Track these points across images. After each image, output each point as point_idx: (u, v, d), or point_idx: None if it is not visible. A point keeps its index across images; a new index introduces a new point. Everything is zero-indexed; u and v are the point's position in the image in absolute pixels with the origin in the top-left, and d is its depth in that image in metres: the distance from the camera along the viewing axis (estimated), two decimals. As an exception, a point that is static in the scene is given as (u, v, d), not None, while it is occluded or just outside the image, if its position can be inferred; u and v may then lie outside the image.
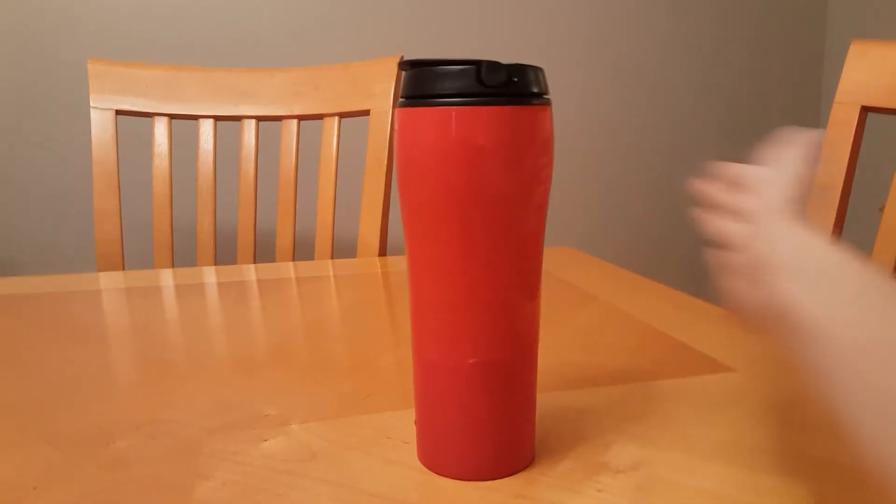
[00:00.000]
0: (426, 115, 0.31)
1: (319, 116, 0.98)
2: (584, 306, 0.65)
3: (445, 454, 0.35)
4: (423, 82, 0.32)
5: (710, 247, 0.37)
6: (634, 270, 0.78)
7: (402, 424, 0.40)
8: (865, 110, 0.73)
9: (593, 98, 1.82)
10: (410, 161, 0.32)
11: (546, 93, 0.33)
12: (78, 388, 0.47)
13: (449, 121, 0.31)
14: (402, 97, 0.33)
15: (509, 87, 0.31)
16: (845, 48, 0.74)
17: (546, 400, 0.43)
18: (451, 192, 0.31)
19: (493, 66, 0.30)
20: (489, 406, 0.34)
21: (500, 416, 0.34)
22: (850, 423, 0.25)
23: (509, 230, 0.32)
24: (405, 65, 0.32)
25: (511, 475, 0.35)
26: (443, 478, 0.34)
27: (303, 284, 0.76)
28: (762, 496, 0.32)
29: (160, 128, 0.97)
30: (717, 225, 0.37)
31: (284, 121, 0.99)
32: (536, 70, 0.32)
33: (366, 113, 0.97)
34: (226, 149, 1.07)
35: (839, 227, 0.72)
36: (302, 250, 1.03)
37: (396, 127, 0.33)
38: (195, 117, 0.98)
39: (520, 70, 0.31)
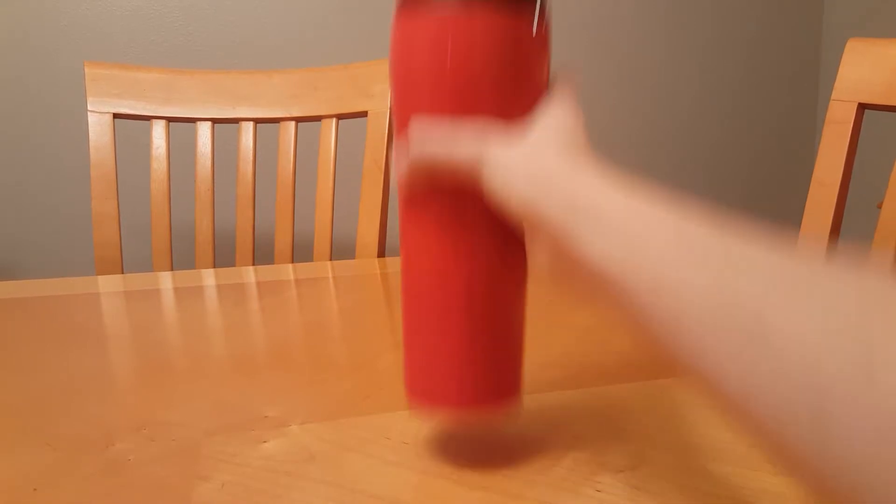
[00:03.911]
0: (420, 18, 0.31)
1: (317, 118, 0.98)
2: (583, 306, 0.65)
3: (431, 383, 0.34)
4: None
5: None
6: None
7: (402, 425, 0.40)
8: (862, 107, 0.73)
9: (593, 97, 1.82)
10: (403, 67, 0.32)
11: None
12: (77, 391, 0.47)
13: (442, 25, 0.30)
14: (398, 3, 0.32)
15: None
16: (842, 46, 0.74)
17: (545, 399, 0.43)
18: (439, 98, 0.31)
19: None
20: (471, 336, 0.33)
21: (484, 343, 0.33)
22: (700, 361, 0.22)
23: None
24: None
25: (495, 407, 0.34)
26: (442, 479, 0.34)
27: (302, 286, 0.76)
28: (762, 496, 0.32)
29: (158, 130, 0.97)
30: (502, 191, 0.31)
31: (282, 123, 0.99)
32: None
33: (364, 114, 0.97)
34: (224, 151, 1.07)
35: (837, 224, 0.73)
36: (301, 252, 1.03)
37: (392, 36, 0.33)
38: (193, 120, 0.98)
39: None
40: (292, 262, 0.98)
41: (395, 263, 0.87)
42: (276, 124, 1.00)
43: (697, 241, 0.24)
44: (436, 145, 0.31)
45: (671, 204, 0.26)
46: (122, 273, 0.93)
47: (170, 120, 0.98)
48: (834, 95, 0.74)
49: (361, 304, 0.69)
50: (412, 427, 0.37)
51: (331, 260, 0.95)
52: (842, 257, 0.21)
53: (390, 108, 0.34)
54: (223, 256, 1.05)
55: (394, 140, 0.34)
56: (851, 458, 0.18)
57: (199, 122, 0.98)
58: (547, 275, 0.30)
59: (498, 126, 0.31)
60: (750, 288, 0.21)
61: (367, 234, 0.96)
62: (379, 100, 0.96)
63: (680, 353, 0.23)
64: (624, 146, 1.87)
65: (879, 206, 0.72)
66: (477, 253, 0.33)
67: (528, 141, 0.30)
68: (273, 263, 0.95)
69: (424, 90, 0.32)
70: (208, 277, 0.80)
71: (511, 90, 0.31)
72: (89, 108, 0.96)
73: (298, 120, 0.99)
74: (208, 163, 0.98)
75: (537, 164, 0.29)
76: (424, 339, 0.34)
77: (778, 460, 0.21)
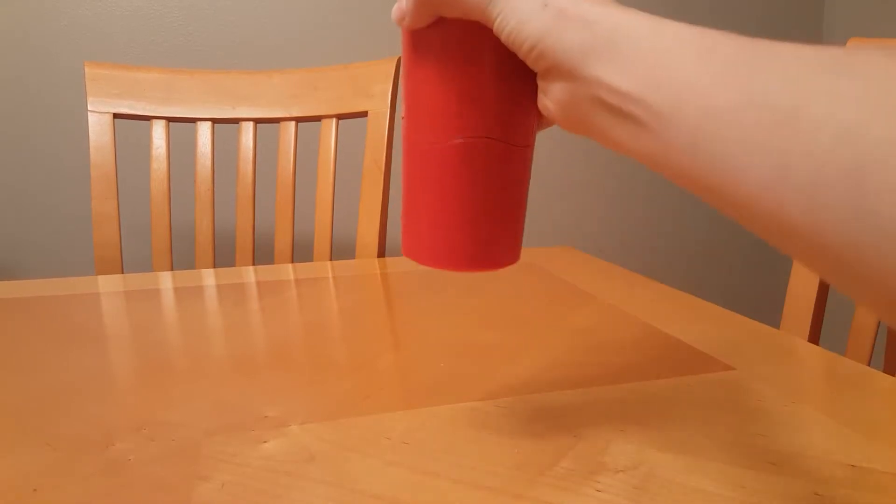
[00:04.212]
0: None
1: (318, 118, 0.99)
2: (583, 306, 0.65)
3: (428, 241, 0.34)
4: None
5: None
6: (634, 270, 0.78)
7: (402, 425, 0.40)
8: (863, 108, 0.73)
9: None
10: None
11: None
12: (77, 391, 0.47)
13: None
14: None
15: None
16: (842, 46, 0.74)
17: (545, 399, 0.43)
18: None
19: None
20: (471, 190, 0.32)
21: (481, 203, 0.32)
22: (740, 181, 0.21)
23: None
24: None
25: (491, 268, 0.34)
26: (442, 479, 0.34)
27: (302, 286, 0.76)
28: (762, 496, 0.32)
29: (158, 131, 0.97)
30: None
31: (282, 123, 0.99)
32: None
33: (364, 114, 0.97)
34: (224, 151, 1.07)
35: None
36: (301, 252, 1.03)
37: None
38: (193, 120, 0.98)
39: None
40: (292, 262, 0.98)
41: (395, 263, 0.88)
42: (276, 124, 1.00)
43: (723, 45, 0.23)
44: None
45: (698, 27, 0.25)
46: (122, 273, 0.93)
47: (170, 120, 0.98)
48: (834, 96, 0.74)
49: (361, 304, 0.69)
50: (412, 427, 0.37)
51: (331, 260, 0.95)
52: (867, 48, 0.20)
53: None
54: (223, 256, 1.05)
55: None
56: (891, 214, 0.17)
57: (199, 122, 0.98)
58: (559, 118, 0.29)
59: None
60: (783, 86, 0.20)
61: (367, 234, 0.96)
62: (379, 100, 0.96)
63: (700, 175, 0.22)
64: (624, 146, 1.87)
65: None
66: (483, 97, 0.31)
67: None
68: (273, 263, 0.95)
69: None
70: (208, 277, 0.80)
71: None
72: (89, 108, 0.96)
73: (298, 120, 0.99)
74: (208, 163, 0.98)
75: (552, 1, 0.27)
76: (421, 195, 0.33)
77: (808, 246, 0.20)
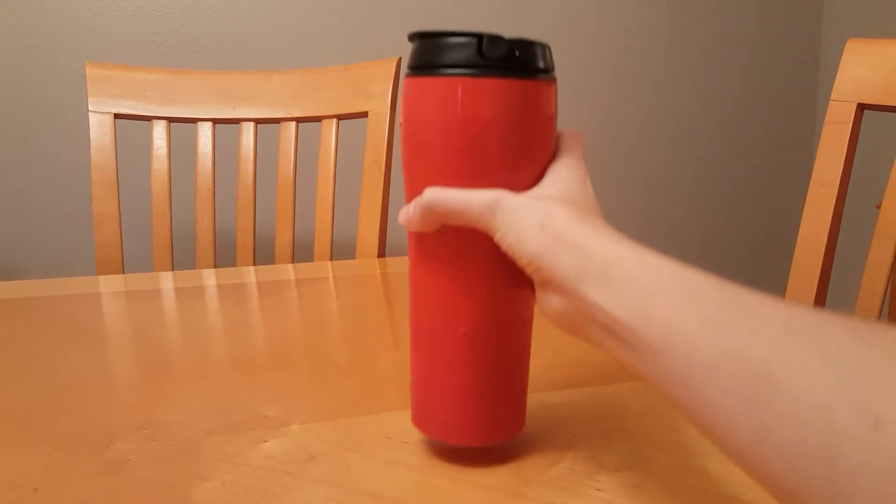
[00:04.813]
0: (427, 84, 0.32)
1: (318, 118, 0.99)
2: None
3: (436, 417, 0.35)
4: (427, 53, 0.32)
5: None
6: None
7: (402, 425, 0.40)
8: (862, 108, 0.73)
9: (593, 98, 1.82)
10: (413, 130, 0.33)
11: (551, 69, 0.33)
12: (78, 391, 0.47)
13: (448, 91, 0.31)
14: (408, 67, 0.33)
15: (511, 60, 0.31)
16: (841, 46, 0.74)
17: (545, 399, 0.43)
18: (450, 163, 0.32)
19: (494, 39, 0.30)
20: (477, 372, 0.34)
21: (487, 384, 0.34)
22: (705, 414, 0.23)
23: None
24: (413, 36, 0.33)
25: (496, 442, 0.35)
26: (443, 479, 0.34)
27: (302, 286, 0.76)
28: (762, 496, 0.32)
29: (159, 131, 0.97)
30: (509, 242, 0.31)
31: (283, 123, 0.99)
32: (542, 46, 0.32)
33: (364, 115, 0.97)
34: (224, 151, 1.07)
35: (837, 224, 0.73)
36: (301, 252, 1.03)
37: (401, 98, 0.33)
38: (193, 120, 0.98)
39: (523, 45, 0.31)
40: (292, 262, 0.98)
41: (395, 263, 0.88)
42: (277, 124, 1.00)
43: (705, 296, 0.25)
44: (450, 199, 0.31)
45: (681, 265, 0.27)
46: (123, 273, 0.93)
47: (170, 120, 0.98)
48: (833, 96, 0.74)
49: (361, 304, 0.69)
50: (412, 427, 0.37)
51: (331, 260, 0.95)
52: (842, 313, 0.22)
53: (402, 162, 0.34)
54: (224, 256, 1.05)
55: (405, 189, 0.34)
56: (862, 500, 0.19)
57: (199, 123, 0.98)
58: (557, 325, 0.31)
59: (509, 183, 0.32)
60: (758, 346, 0.22)
61: (367, 234, 0.96)
62: (379, 100, 0.96)
63: (689, 406, 0.24)
64: (623, 146, 1.87)
65: (879, 207, 0.72)
66: (486, 295, 0.33)
67: (540, 201, 0.31)
68: (273, 263, 0.95)
69: (435, 149, 0.32)
70: (209, 277, 0.80)
71: (519, 148, 0.32)
72: (90, 108, 0.96)
73: (299, 120, 0.99)
74: (209, 163, 0.98)
75: (550, 222, 0.29)
76: (430, 376, 0.35)
77: (784, 497, 0.21)
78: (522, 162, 0.32)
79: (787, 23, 1.96)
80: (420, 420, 0.36)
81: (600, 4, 1.78)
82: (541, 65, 0.32)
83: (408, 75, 0.33)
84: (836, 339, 0.21)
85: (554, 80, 0.33)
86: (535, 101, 0.32)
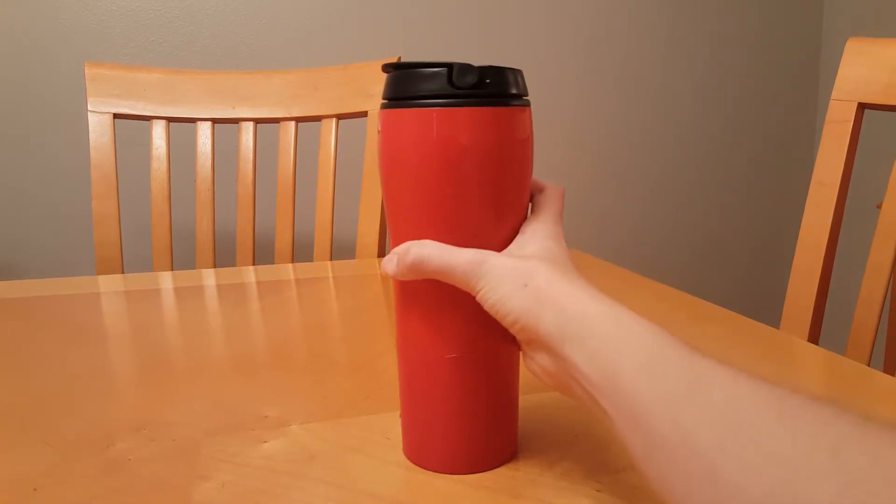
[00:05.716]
0: (402, 115, 0.32)
1: (317, 118, 0.99)
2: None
3: (427, 447, 0.35)
4: (400, 84, 0.32)
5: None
6: (634, 270, 0.78)
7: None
8: (862, 107, 0.73)
9: (593, 98, 1.82)
10: (390, 160, 0.33)
11: (524, 94, 0.34)
12: (78, 391, 0.47)
13: (423, 120, 0.31)
14: (383, 98, 0.34)
15: (483, 88, 0.31)
16: (842, 46, 0.74)
17: (545, 399, 0.43)
18: (428, 190, 0.32)
19: (464, 68, 0.31)
20: (465, 400, 0.34)
21: (476, 411, 0.34)
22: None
23: (489, 229, 0.33)
24: (387, 67, 0.33)
25: (489, 469, 0.35)
26: (443, 479, 0.34)
27: (302, 286, 0.76)
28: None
29: (158, 131, 0.97)
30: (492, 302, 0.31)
31: (282, 123, 0.99)
32: (513, 72, 0.33)
33: (364, 114, 0.97)
34: (224, 151, 1.07)
35: (837, 224, 0.73)
36: (301, 252, 1.03)
37: (379, 128, 0.34)
38: (193, 120, 0.98)
39: (494, 72, 0.32)
40: (292, 262, 0.98)
41: (395, 263, 0.87)
42: (276, 124, 1.00)
43: (669, 372, 0.26)
44: (434, 259, 0.32)
45: (654, 329, 0.28)
46: (123, 273, 0.93)
47: (170, 120, 0.98)
48: (834, 95, 0.74)
49: (361, 304, 0.69)
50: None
51: (331, 260, 0.95)
52: (800, 398, 0.23)
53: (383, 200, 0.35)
54: (223, 256, 1.05)
55: (388, 236, 0.34)
56: None
57: (199, 123, 0.98)
58: (545, 382, 0.31)
59: (491, 240, 0.32)
60: (708, 436, 0.23)
61: (367, 234, 0.96)
62: (379, 100, 0.96)
63: (652, 479, 0.25)
64: (623, 146, 1.87)
65: (879, 207, 0.72)
66: (469, 322, 0.33)
67: (522, 260, 0.31)
68: (273, 263, 0.95)
69: (412, 178, 0.32)
70: (208, 277, 0.80)
71: (495, 174, 0.32)
72: (89, 108, 0.96)
73: (298, 120, 0.99)
74: (208, 163, 0.98)
75: (533, 281, 0.30)
76: (418, 413, 0.35)
77: None
78: (499, 187, 0.32)
79: (787, 22, 1.96)
80: (411, 450, 0.36)
81: (601, 4, 1.78)
82: (513, 90, 0.32)
83: (383, 107, 0.33)
84: (781, 436, 0.22)
85: (527, 104, 0.34)
86: (509, 126, 0.32)
